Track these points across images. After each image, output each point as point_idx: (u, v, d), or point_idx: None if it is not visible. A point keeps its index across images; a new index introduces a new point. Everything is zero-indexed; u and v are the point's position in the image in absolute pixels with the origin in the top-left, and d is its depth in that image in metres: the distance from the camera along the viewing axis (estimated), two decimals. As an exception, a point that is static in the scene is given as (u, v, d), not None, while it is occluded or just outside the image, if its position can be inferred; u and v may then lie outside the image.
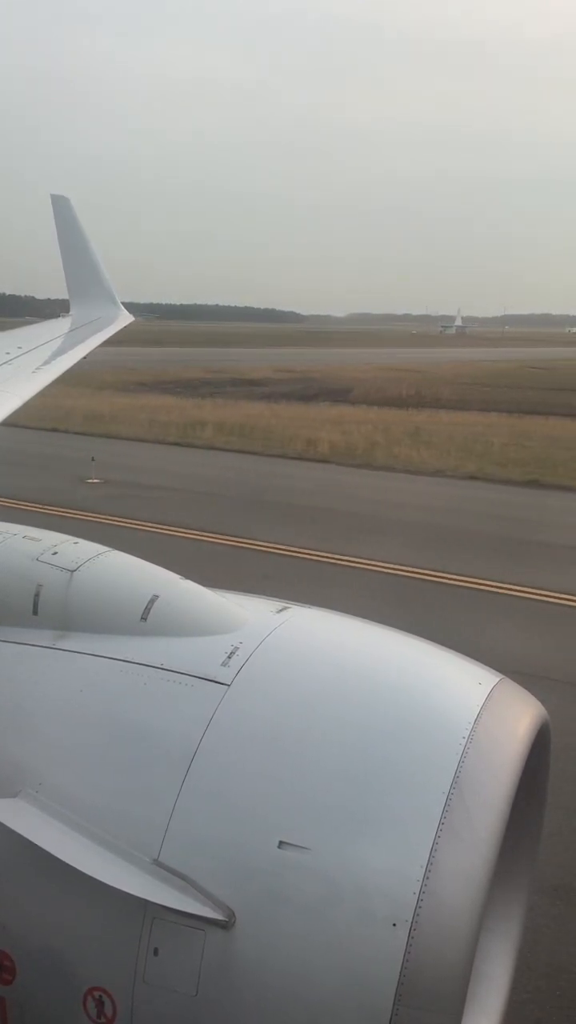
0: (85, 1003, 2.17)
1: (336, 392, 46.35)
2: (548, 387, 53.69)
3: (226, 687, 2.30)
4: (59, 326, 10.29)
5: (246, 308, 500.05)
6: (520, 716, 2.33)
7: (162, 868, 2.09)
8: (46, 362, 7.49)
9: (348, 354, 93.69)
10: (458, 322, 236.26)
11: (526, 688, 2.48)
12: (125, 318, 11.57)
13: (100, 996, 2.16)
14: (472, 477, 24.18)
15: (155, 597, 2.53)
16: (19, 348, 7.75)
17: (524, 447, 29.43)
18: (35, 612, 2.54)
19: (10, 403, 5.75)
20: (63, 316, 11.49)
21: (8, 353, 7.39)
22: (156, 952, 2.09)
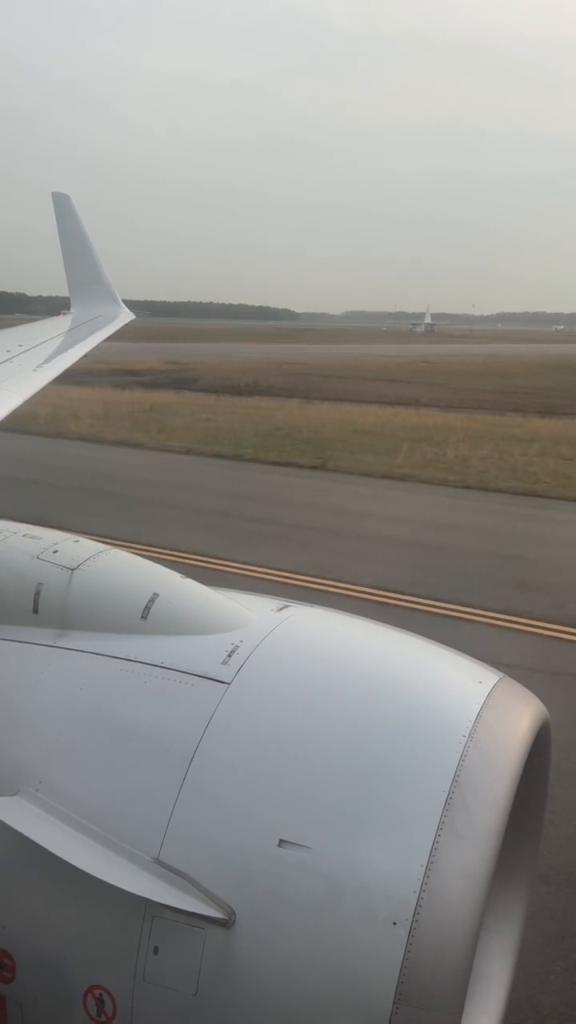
0: (85, 1002, 2.17)
1: (186, 381, 50.66)
2: (382, 379, 57.68)
3: (226, 686, 2.30)
4: (60, 324, 10.28)
5: (240, 306, 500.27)
6: (521, 715, 2.33)
7: (162, 867, 2.09)
8: (47, 360, 7.49)
9: (271, 349, 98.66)
10: (427, 320, 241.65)
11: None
12: (126, 316, 11.55)
13: (100, 995, 2.15)
14: (79, 438, 28.24)
15: (155, 595, 2.53)
16: (19, 346, 7.75)
17: (208, 420, 33.13)
18: (35, 611, 2.54)
19: (11, 401, 5.74)
20: (64, 313, 11.48)
21: (9, 351, 7.38)
22: (156, 951, 2.09)
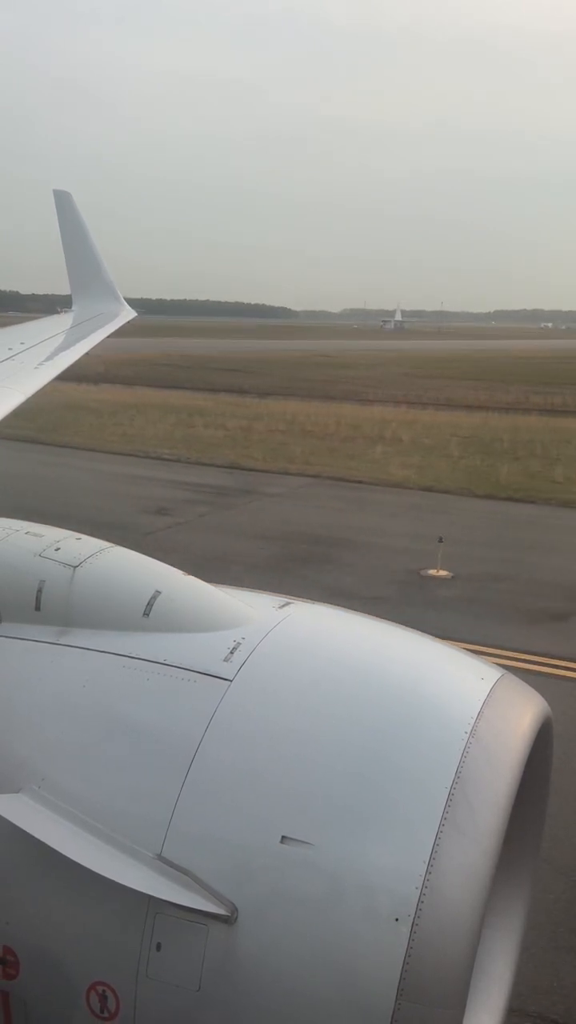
0: (88, 998, 2.17)
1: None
2: (234, 369, 62.31)
3: (228, 683, 2.30)
4: (61, 322, 10.28)
5: (236, 304, 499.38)
6: (522, 711, 2.33)
7: (165, 863, 2.09)
8: (49, 357, 7.50)
9: (206, 344, 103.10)
10: (397, 317, 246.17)
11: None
12: (127, 313, 11.52)
13: (103, 991, 2.16)
14: None
15: (157, 593, 2.53)
16: (21, 344, 7.76)
17: None
18: (38, 608, 2.53)
19: (13, 398, 5.75)
20: (64, 311, 11.45)
21: (11, 349, 7.39)
22: (159, 947, 2.09)
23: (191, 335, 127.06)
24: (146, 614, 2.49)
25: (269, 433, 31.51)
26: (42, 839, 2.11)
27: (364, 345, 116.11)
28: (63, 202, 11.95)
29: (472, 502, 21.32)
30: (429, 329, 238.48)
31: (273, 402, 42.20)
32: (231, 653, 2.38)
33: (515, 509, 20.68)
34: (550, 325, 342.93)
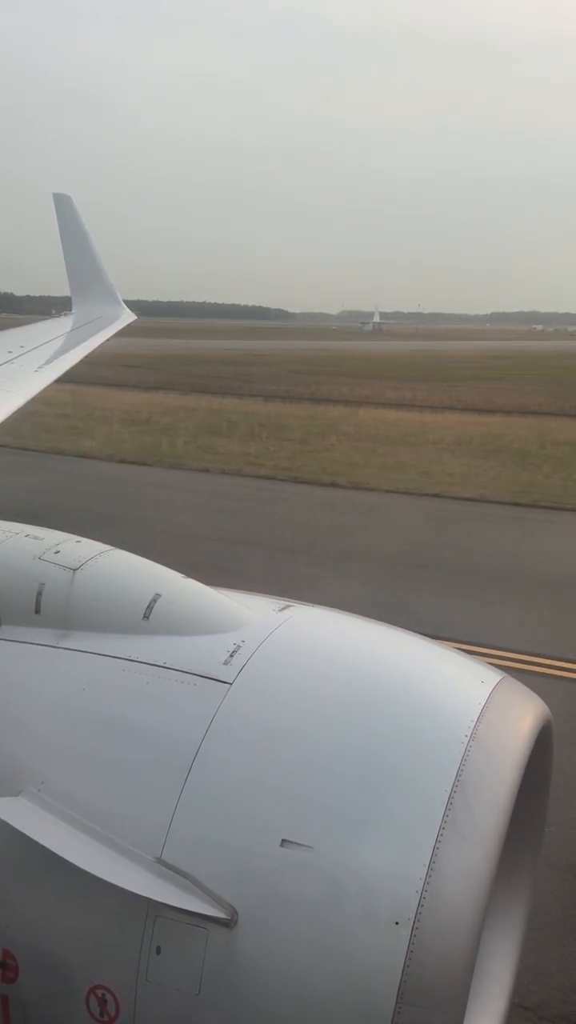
0: (88, 1001, 2.17)
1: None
2: (130, 366, 62.80)
3: (228, 686, 2.30)
4: (62, 324, 10.30)
5: (232, 306, 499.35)
6: (522, 714, 2.33)
7: (164, 866, 2.09)
8: (48, 361, 7.52)
9: (145, 342, 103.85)
10: (376, 319, 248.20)
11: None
12: (127, 316, 11.54)
13: (103, 994, 2.15)
14: None
15: (157, 596, 2.53)
16: (21, 347, 7.78)
17: None
18: (37, 611, 2.53)
19: (13, 401, 5.76)
20: (65, 314, 11.48)
21: (10, 352, 7.40)
22: (159, 951, 2.09)
23: (155, 335, 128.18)
24: (146, 617, 2.49)
25: (54, 417, 32.59)
26: (42, 842, 2.11)
27: (316, 345, 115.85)
28: (63, 205, 11.96)
29: (99, 464, 24.38)
30: (407, 331, 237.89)
31: (133, 394, 43.50)
32: (231, 656, 2.38)
33: (125, 470, 23.83)
34: (540, 327, 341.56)
